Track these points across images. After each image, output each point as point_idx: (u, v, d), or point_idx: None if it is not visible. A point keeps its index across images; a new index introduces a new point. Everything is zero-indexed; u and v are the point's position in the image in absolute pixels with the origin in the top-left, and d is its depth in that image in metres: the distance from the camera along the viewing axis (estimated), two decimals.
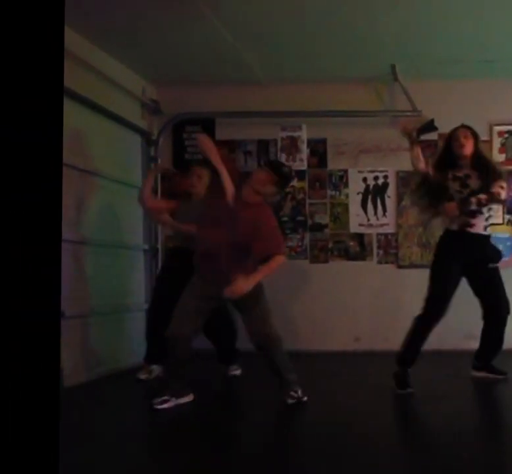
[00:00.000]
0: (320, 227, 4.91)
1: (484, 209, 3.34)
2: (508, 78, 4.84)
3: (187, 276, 3.06)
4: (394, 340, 4.75)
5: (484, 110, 4.89)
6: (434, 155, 4.12)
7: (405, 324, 4.84)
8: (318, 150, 4.92)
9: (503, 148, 4.87)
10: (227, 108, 4.86)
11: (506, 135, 4.87)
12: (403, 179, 4.91)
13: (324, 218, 4.93)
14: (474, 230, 3.35)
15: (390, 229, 4.91)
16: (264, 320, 2.95)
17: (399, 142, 4.96)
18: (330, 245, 4.92)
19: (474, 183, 3.32)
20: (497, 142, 4.86)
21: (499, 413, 3.11)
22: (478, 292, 3.44)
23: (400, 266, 4.89)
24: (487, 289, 3.42)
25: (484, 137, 4.89)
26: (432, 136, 4.92)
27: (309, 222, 4.94)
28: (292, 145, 4.90)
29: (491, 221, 3.47)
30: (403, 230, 4.90)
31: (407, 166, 4.92)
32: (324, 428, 2.55)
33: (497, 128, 4.88)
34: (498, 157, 4.86)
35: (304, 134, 4.90)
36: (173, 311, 2.96)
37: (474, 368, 3.59)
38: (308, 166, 4.91)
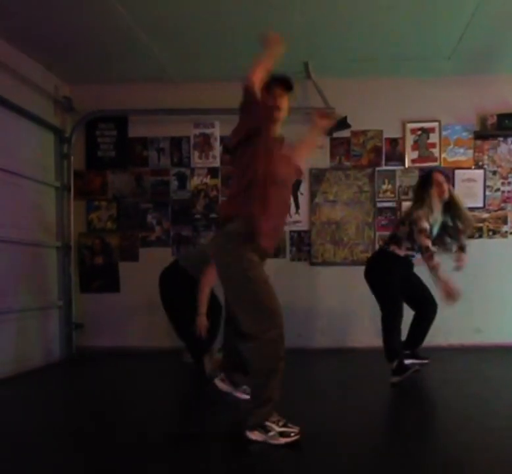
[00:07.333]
0: None
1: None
2: (420, 76, 4.83)
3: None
4: (307, 335, 4.83)
5: (397, 107, 4.89)
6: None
7: (316, 321, 4.92)
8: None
9: (416, 145, 4.87)
10: (140, 106, 4.85)
11: (419, 133, 4.86)
12: (316, 176, 4.92)
13: None
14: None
15: (303, 226, 4.93)
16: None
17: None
18: None
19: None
20: (409, 139, 4.86)
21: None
22: (409, 295, 3.70)
23: (313, 264, 4.91)
24: (419, 290, 3.73)
25: (397, 134, 4.94)
26: (345, 133, 4.97)
27: None
28: (205, 143, 4.90)
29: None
30: (315, 227, 4.92)
31: (319, 163, 4.97)
32: None
33: (409, 125, 4.87)
34: (411, 154, 4.88)
35: (217, 131, 4.90)
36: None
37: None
38: (221, 163, 4.92)
